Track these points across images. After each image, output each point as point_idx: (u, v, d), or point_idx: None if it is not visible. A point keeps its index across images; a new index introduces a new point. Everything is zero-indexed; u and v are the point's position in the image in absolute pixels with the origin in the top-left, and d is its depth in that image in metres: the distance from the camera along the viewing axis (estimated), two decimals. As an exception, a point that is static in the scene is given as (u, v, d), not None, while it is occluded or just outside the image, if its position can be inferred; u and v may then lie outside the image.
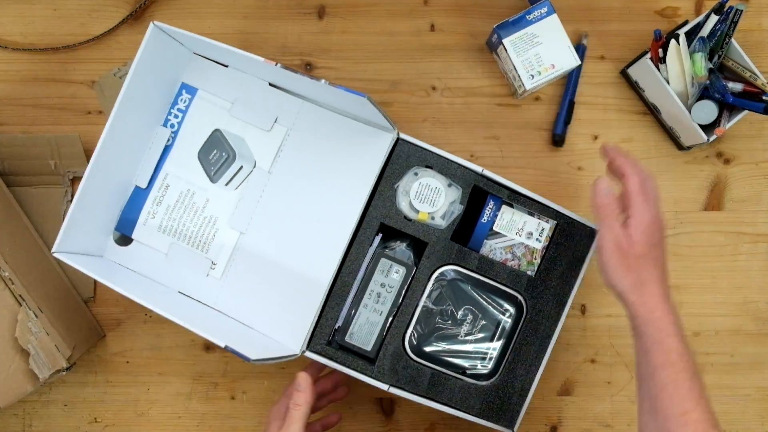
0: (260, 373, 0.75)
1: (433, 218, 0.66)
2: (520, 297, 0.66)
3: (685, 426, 0.49)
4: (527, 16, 0.70)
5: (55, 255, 0.62)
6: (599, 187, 0.58)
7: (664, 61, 0.70)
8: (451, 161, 0.66)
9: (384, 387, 0.64)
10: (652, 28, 0.71)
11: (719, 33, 0.69)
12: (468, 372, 0.66)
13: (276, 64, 0.58)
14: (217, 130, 0.69)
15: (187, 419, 0.75)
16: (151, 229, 0.70)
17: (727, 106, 0.71)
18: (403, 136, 0.65)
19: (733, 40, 0.70)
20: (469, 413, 0.65)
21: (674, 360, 0.51)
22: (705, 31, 0.70)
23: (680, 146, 0.76)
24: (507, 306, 0.67)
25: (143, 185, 0.70)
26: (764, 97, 0.69)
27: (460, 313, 0.66)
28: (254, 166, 0.69)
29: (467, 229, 0.67)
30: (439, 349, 0.66)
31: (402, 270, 0.65)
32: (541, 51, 0.70)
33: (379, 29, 0.77)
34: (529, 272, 0.67)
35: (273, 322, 0.67)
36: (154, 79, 0.66)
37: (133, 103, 0.64)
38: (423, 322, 0.66)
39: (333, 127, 0.68)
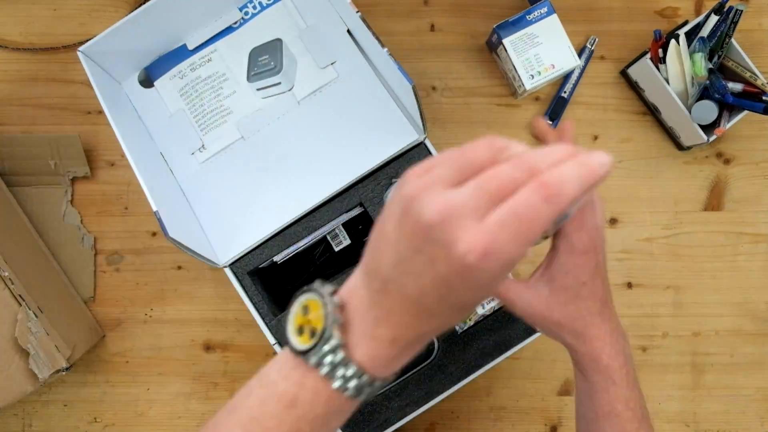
0: (260, 373, 0.75)
1: None
2: (435, 340, 0.65)
3: None
4: (527, 16, 0.70)
5: (81, 51, 0.63)
6: None
7: (664, 62, 0.70)
8: None
9: None
10: (652, 28, 0.71)
11: (719, 33, 0.69)
12: None
13: (357, 12, 0.59)
14: (279, 40, 0.70)
15: (187, 419, 0.75)
16: (173, 88, 0.71)
17: (727, 106, 0.71)
18: (427, 143, 0.65)
19: (733, 40, 0.70)
20: None
21: (619, 410, 0.46)
22: (705, 31, 0.70)
23: (680, 146, 0.76)
24: None
25: (190, 47, 0.71)
26: (764, 97, 0.69)
27: None
28: (289, 89, 0.70)
29: None
30: None
31: (346, 242, 0.66)
32: (541, 51, 0.70)
33: (379, 29, 0.77)
34: (457, 327, 0.66)
35: (218, 227, 0.68)
36: None
37: None
38: None
39: (374, 98, 0.68)
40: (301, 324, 0.36)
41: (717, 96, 0.69)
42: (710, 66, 0.69)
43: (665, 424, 0.75)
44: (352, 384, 0.34)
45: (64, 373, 0.66)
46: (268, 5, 0.71)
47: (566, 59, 0.70)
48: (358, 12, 0.59)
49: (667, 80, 0.70)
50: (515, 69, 0.70)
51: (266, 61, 0.70)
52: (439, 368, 0.65)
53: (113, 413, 0.75)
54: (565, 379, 0.75)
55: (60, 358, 0.65)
